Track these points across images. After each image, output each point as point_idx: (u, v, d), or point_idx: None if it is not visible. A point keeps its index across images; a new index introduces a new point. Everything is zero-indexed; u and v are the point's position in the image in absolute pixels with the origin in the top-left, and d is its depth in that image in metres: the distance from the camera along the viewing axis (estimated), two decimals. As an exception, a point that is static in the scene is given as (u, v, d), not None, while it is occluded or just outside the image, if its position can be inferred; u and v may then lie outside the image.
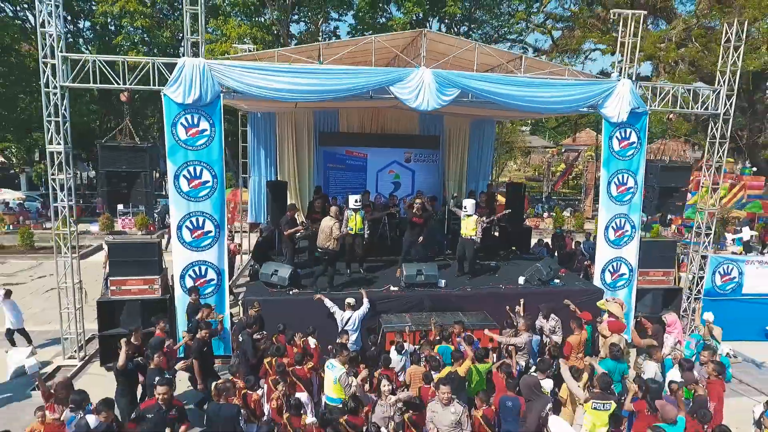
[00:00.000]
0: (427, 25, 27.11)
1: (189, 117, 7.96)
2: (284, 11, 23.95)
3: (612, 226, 9.50)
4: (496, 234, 12.99)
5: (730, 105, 9.53)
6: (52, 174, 8.09)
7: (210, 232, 8.26)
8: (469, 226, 9.31)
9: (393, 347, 7.14)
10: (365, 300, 7.89)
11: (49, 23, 7.74)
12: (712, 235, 10.14)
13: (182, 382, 7.27)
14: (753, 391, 8.54)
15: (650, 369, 6.98)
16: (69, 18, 26.13)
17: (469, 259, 9.68)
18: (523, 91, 8.70)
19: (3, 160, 35.69)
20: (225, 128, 8.50)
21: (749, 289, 10.35)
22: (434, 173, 14.60)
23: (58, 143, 8.05)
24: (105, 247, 12.56)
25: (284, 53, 8.57)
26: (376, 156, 13.98)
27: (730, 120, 9.57)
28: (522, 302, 8.51)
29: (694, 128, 22.55)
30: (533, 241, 14.31)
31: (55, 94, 7.85)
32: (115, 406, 5.59)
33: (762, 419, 5.63)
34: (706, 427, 5.41)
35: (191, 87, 7.79)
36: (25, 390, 7.58)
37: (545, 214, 23.84)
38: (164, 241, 12.15)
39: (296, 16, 26.34)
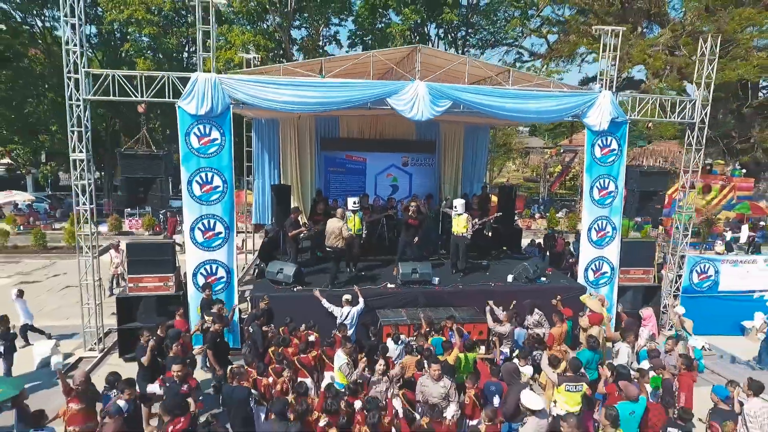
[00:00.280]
0: (425, 30, 27.82)
1: (201, 127, 8.62)
2: (286, 17, 24.62)
3: (594, 228, 10.17)
4: (489, 234, 13.63)
5: (706, 114, 10.20)
6: (75, 179, 8.75)
7: (220, 233, 8.92)
8: (460, 224, 10.00)
9: (390, 338, 7.81)
10: (360, 299, 8.52)
11: (72, 41, 8.39)
12: (689, 235, 10.81)
13: (198, 373, 7.95)
14: (723, 381, 9.17)
15: (623, 351, 7.65)
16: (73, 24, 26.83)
17: (461, 254, 10.35)
18: (510, 102, 9.36)
19: (9, 161, 36.36)
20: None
21: (725, 287, 11.01)
22: (431, 177, 15.24)
23: (80, 151, 8.72)
24: (117, 247, 13.28)
25: (289, 67, 9.24)
26: (375, 160, 14.62)
27: (705, 128, 10.24)
28: (514, 303, 9.07)
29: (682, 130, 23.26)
30: (525, 241, 14.99)
31: (78, 106, 8.52)
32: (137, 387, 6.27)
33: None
34: (670, 411, 6.08)
35: (203, 99, 8.45)
36: (51, 378, 8.26)
37: (537, 215, 24.54)
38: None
39: (297, 22, 27.02)
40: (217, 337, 7.15)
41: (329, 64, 9.48)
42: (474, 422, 6.08)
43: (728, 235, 19.48)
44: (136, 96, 8.60)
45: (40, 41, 25.95)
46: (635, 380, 6.50)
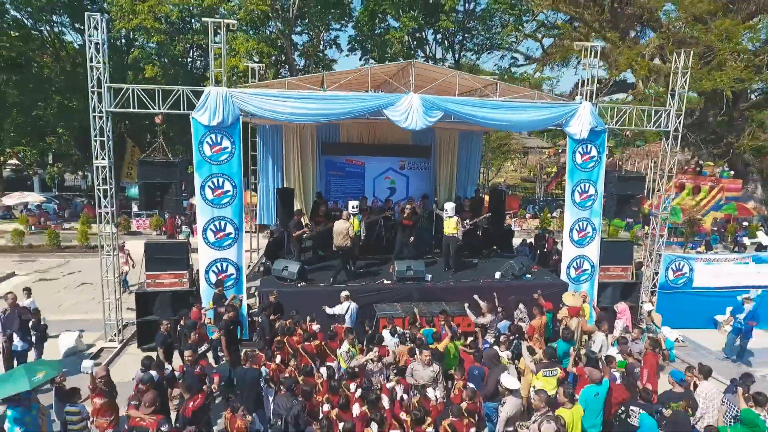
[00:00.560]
0: (423, 35, 28.60)
1: (213, 136, 9.42)
2: (288, 24, 25.42)
3: (576, 228, 10.97)
4: (480, 234, 14.43)
5: (680, 123, 10.99)
6: (98, 184, 9.57)
7: (230, 234, 9.73)
8: (451, 226, 10.81)
9: (386, 330, 8.61)
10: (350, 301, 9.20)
11: (96, 58, 9.19)
12: (665, 235, 11.61)
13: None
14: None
15: (598, 339, 8.43)
16: (81, 29, 27.67)
17: (452, 254, 11.17)
18: (497, 113, 10.15)
19: (17, 162, 37.19)
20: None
21: (699, 284, 11.80)
22: (426, 179, 16.05)
23: (103, 158, 9.52)
24: (122, 248, 14.08)
25: (293, 81, 10.04)
26: (373, 164, 15.42)
27: (679, 136, 11.03)
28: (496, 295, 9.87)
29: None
30: (516, 241, 15.78)
31: (101, 117, 9.33)
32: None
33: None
34: (635, 391, 6.89)
35: (215, 112, 9.24)
36: (76, 366, 9.05)
37: (528, 216, 25.40)
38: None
39: (299, 28, 27.82)
40: (230, 325, 7.97)
41: (330, 77, 10.27)
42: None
43: (746, 240, 20.18)
44: (153, 108, 9.40)
45: (48, 46, 26.79)
46: (601, 365, 7.30)
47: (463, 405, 6.22)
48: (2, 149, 30.37)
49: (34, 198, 24.25)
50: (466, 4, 27.55)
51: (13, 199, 23.75)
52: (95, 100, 9.29)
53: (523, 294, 10.08)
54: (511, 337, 7.96)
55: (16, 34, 23.77)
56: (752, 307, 10.24)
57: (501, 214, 14.72)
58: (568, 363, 7.82)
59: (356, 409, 5.99)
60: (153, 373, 6.12)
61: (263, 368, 6.96)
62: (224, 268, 9.80)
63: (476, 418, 6.27)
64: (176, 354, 8.09)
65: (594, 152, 10.74)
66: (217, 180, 9.55)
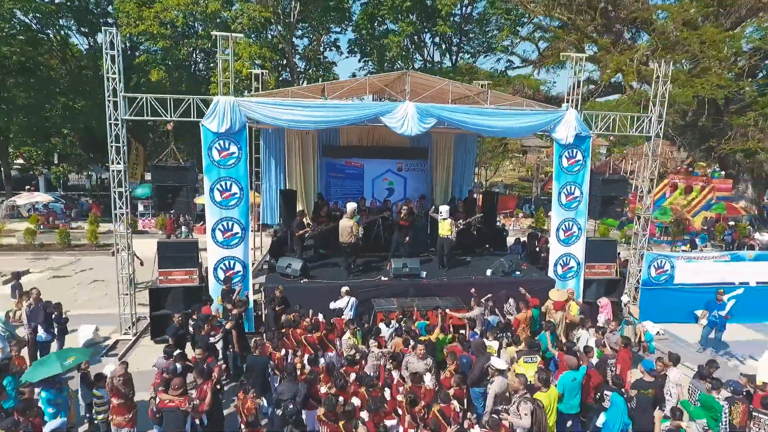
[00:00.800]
0: (421, 38, 29.23)
1: (221, 142, 10.07)
2: (289, 28, 26.06)
3: (562, 228, 11.63)
4: (474, 232, 15.10)
5: (660, 128, 11.64)
6: (114, 187, 10.23)
7: (237, 233, 10.38)
8: (445, 228, 11.47)
9: (383, 322, 9.28)
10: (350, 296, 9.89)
11: (112, 70, 9.84)
12: (647, 234, 12.27)
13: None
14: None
15: (583, 336, 9.10)
16: (87, 32, 28.33)
17: (446, 254, 11.83)
18: (488, 119, 10.80)
19: (22, 161, 37.87)
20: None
21: (679, 280, 12.45)
22: (423, 180, 16.69)
23: (118, 163, 10.18)
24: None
25: (296, 90, 10.70)
26: (372, 166, 16.06)
27: (660, 141, 11.69)
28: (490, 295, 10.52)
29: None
30: (510, 240, 16.43)
31: (117, 125, 9.98)
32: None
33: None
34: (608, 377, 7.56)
35: (224, 119, 9.89)
36: (96, 357, 9.73)
37: (521, 215, 26.11)
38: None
39: (300, 32, 28.46)
40: (239, 318, 8.64)
41: (331, 87, 10.93)
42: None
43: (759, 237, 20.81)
44: (165, 116, 10.05)
45: (55, 50, 27.41)
46: (579, 355, 7.98)
47: (451, 391, 6.88)
48: (11, 149, 31.03)
49: (43, 198, 24.91)
50: (463, 9, 28.21)
51: (23, 198, 24.42)
52: (111, 109, 9.94)
53: (512, 290, 10.73)
54: (499, 334, 8.64)
55: (24, 38, 24.39)
56: (726, 300, 10.90)
57: (493, 214, 15.36)
58: (548, 349, 8.51)
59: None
60: (178, 365, 6.80)
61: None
62: (232, 266, 10.44)
63: (464, 404, 6.96)
64: (187, 345, 8.77)
65: (579, 156, 11.39)
66: (225, 183, 10.20)
